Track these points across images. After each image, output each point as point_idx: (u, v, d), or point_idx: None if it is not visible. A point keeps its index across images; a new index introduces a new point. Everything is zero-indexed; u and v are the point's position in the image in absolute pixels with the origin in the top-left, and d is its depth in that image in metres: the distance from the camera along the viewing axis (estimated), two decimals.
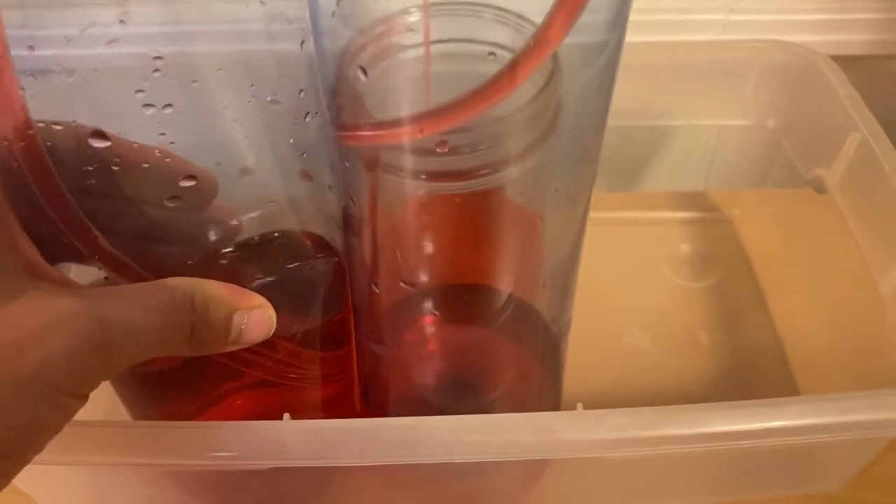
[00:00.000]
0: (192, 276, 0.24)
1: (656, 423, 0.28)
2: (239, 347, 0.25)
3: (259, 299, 0.25)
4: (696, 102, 0.49)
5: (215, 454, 0.28)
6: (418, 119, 0.23)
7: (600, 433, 0.28)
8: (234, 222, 0.28)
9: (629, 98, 0.48)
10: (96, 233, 0.24)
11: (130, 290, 0.23)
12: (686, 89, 0.48)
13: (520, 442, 0.28)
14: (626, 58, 0.46)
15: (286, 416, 0.29)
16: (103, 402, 0.41)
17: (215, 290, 0.24)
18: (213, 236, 0.28)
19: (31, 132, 0.22)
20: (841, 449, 0.36)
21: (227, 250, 0.28)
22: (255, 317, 0.25)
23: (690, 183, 0.56)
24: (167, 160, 0.25)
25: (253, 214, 0.28)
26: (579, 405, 0.29)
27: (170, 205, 0.26)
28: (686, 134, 0.52)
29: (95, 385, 0.22)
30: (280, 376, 0.32)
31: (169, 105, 0.24)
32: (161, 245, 0.27)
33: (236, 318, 0.24)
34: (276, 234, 0.29)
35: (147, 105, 0.24)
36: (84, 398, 0.22)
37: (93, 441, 0.28)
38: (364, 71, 0.24)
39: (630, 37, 0.49)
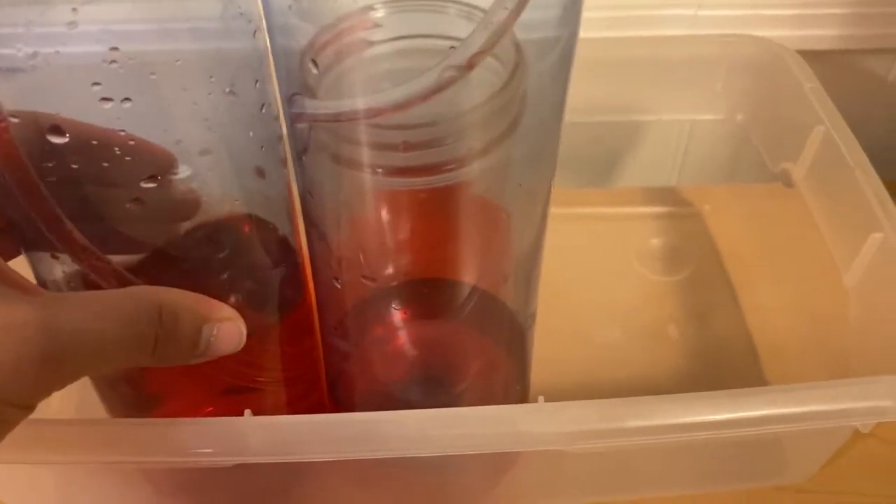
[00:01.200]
0: (149, 263, 0.23)
1: (617, 415, 0.28)
2: (205, 360, 0.24)
3: (229, 311, 0.25)
4: (666, 97, 0.49)
5: (177, 451, 0.28)
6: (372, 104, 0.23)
7: (560, 426, 0.28)
8: (193, 197, 0.27)
9: (600, 94, 0.48)
10: (71, 227, 0.24)
11: (92, 299, 0.22)
12: (656, 84, 0.48)
13: (480, 435, 0.28)
14: (596, 54, 0.47)
15: (247, 412, 0.29)
16: (73, 399, 0.41)
17: (185, 300, 0.23)
18: (173, 215, 0.27)
19: (2, 125, 0.21)
20: (806, 440, 0.36)
21: (181, 236, 0.28)
22: (225, 329, 0.24)
23: (664, 178, 0.57)
24: (131, 143, 0.24)
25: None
26: (540, 398, 0.29)
27: (147, 185, 0.25)
28: (657, 129, 0.52)
29: (44, 396, 0.21)
30: (243, 378, 0.32)
31: (128, 99, 0.24)
32: (120, 224, 0.27)
33: (205, 330, 0.24)
34: (228, 224, 0.29)
35: (105, 99, 0.24)
36: (30, 409, 0.21)
37: (51, 439, 0.28)
38: (315, 64, 0.23)
39: (600, 32, 0.50)
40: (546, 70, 0.25)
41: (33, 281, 0.27)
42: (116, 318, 0.22)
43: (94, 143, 0.24)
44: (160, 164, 0.26)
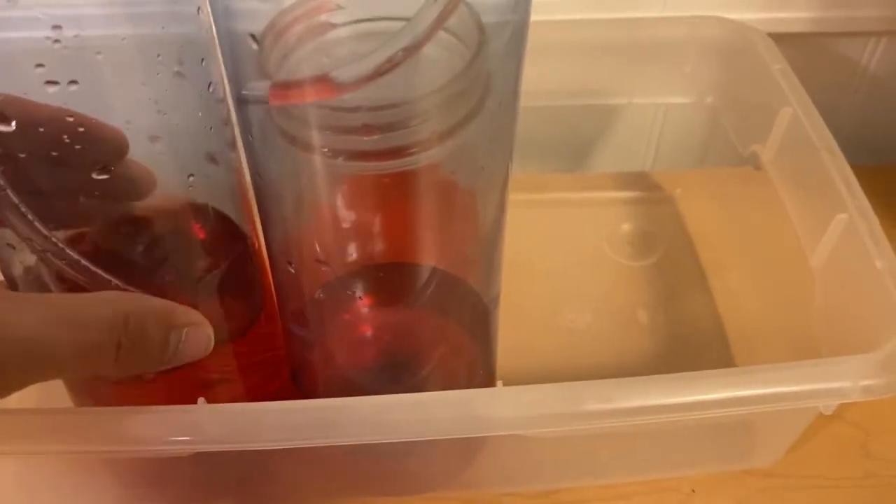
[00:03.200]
0: (97, 243, 0.23)
1: (577, 398, 0.28)
2: (171, 366, 0.24)
3: (196, 316, 0.24)
4: (635, 80, 0.49)
5: (131, 440, 0.27)
6: (322, 80, 0.22)
7: (519, 409, 0.28)
8: (149, 177, 0.26)
9: (570, 77, 0.48)
10: (32, 217, 0.23)
11: (47, 302, 0.21)
12: (625, 67, 0.48)
13: (437, 420, 0.27)
14: (565, 36, 0.46)
15: (201, 399, 0.28)
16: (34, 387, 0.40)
17: (154, 306, 0.23)
18: (128, 193, 0.26)
19: None
20: (772, 422, 0.36)
21: (130, 221, 0.27)
22: (192, 335, 0.24)
23: (636, 162, 0.56)
24: (70, 118, 0.23)
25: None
26: (499, 382, 0.28)
27: (99, 177, 0.24)
28: (629, 113, 0.52)
29: None
30: (203, 368, 0.32)
31: (74, 81, 0.23)
32: (74, 202, 0.26)
33: (172, 336, 0.23)
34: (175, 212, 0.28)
35: (50, 82, 0.23)
36: None
37: (5, 429, 0.28)
38: (255, 39, 0.23)
39: (569, 14, 0.49)
40: (501, 50, 0.24)
41: None
42: (73, 324, 0.21)
43: (41, 129, 0.23)
44: (113, 147, 0.25)
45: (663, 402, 0.28)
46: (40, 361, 0.20)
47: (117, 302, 0.22)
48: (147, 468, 0.35)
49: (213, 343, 0.24)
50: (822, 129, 0.37)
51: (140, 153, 0.26)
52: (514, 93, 0.26)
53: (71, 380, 0.32)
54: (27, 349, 0.20)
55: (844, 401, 0.29)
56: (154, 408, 0.28)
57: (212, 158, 0.28)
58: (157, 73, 0.25)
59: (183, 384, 0.31)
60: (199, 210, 0.28)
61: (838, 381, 0.28)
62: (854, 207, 0.34)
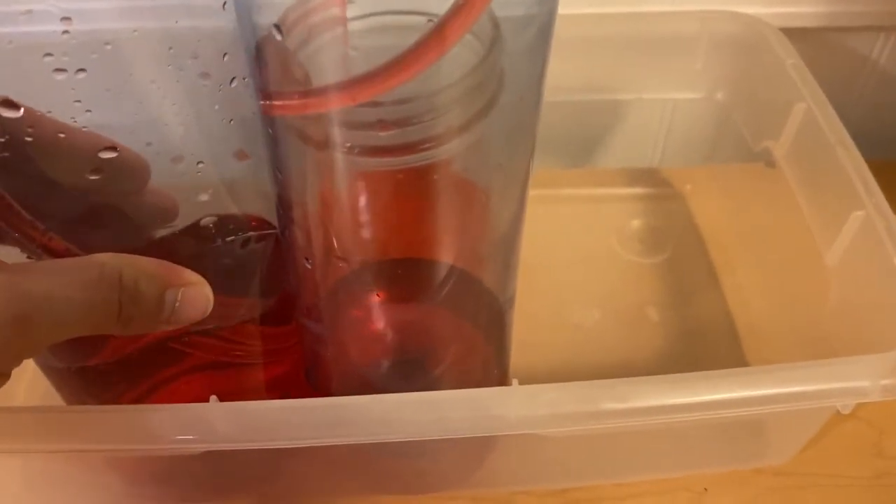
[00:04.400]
0: None
1: (593, 397, 0.28)
2: (173, 327, 0.24)
3: (193, 276, 0.24)
4: (645, 75, 0.48)
5: (142, 439, 0.27)
6: (348, 86, 0.22)
7: (536, 409, 0.27)
8: (172, 206, 0.27)
9: (579, 72, 0.47)
10: (18, 208, 0.23)
11: (55, 265, 0.22)
12: (635, 62, 0.47)
13: (452, 419, 0.27)
14: (575, 30, 0.46)
15: (213, 398, 0.28)
16: (40, 389, 0.40)
17: (146, 265, 0.23)
18: (151, 221, 0.27)
19: None
20: (786, 421, 0.36)
21: (164, 233, 0.27)
22: (190, 294, 0.24)
23: (645, 158, 0.56)
24: (84, 129, 0.24)
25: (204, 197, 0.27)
26: (515, 381, 0.28)
27: (92, 177, 0.24)
28: (638, 109, 0.52)
29: (16, 363, 0.21)
30: (224, 354, 0.31)
31: (82, 70, 0.23)
32: (99, 230, 0.26)
33: (168, 295, 0.23)
34: (213, 219, 0.28)
35: (58, 70, 0.23)
36: (5, 376, 0.21)
37: (14, 428, 0.27)
38: (279, 30, 0.22)
39: (579, 9, 0.49)
40: (524, 46, 0.24)
41: None
42: (81, 284, 0.21)
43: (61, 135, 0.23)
44: (138, 175, 0.25)
45: (682, 402, 0.28)
46: (60, 320, 0.21)
47: (111, 262, 0.22)
48: (157, 466, 0.35)
49: (211, 303, 0.24)
50: (837, 125, 0.37)
51: (167, 162, 0.26)
52: (537, 90, 0.26)
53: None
54: (49, 307, 0.21)
55: (864, 400, 0.28)
56: (164, 406, 0.28)
57: (243, 157, 0.27)
58: (168, 66, 0.25)
59: (213, 379, 0.31)
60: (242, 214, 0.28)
61: (857, 380, 0.28)
62: (871, 204, 0.33)
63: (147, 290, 0.23)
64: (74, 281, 0.21)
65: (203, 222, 0.28)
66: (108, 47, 0.23)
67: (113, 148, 0.24)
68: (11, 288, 0.20)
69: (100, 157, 0.24)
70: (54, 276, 0.21)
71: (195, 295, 0.24)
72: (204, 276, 0.24)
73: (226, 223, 0.29)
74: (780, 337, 0.43)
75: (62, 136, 0.23)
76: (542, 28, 0.24)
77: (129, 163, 0.25)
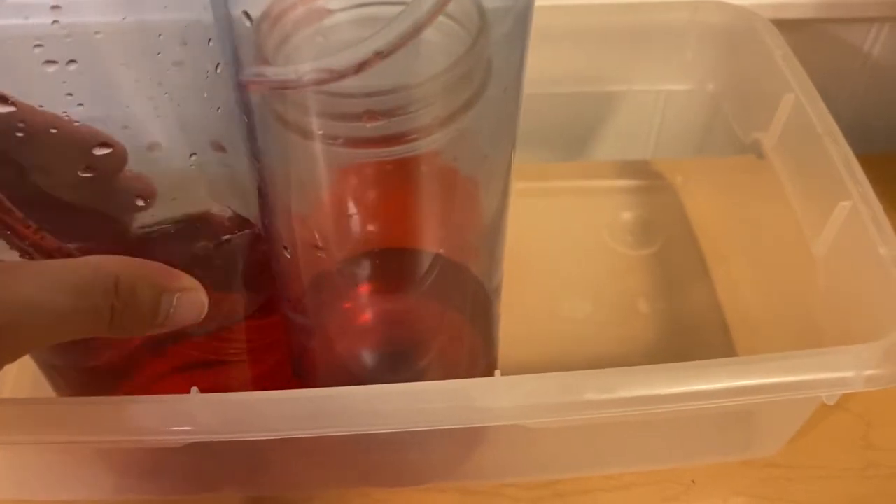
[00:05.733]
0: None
1: (576, 387, 0.27)
2: (165, 330, 0.23)
3: (189, 281, 0.24)
4: (636, 67, 0.48)
5: (124, 430, 0.27)
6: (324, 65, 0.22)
7: (518, 399, 0.27)
8: (149, 189, 0.27)
9: (569, 63, 0.47)
10: (10, 205, 0.23)
11: (45, 267, 0.21)
12: (625, 53, 0.47)
13: (434, 410, 0.27)
14: (564, 21, 0.46)
15: (194, 389, 0.28)
16: (28, 377, 0.40)
17: (144, 269, 0.23)
18: (126, 206, 0.27)
19: None
20: (774, 413, 0.36)
21: (144, 229, 0.27)
22: (185, 299, 0.23)
23: (637, 150, 0.56)
24: (76, 124, 0.24)
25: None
26: (497, 371, 0.28)
27: (84, 175, 0.24)
28: (629, 100, 0.51)
29: None
30: (215, 353, 0.31)
31: (73, 61, 0.23)
32: (76, 217, 0.26)
33: (164, 300, 0.23)
34: (189, 216, 0.28)
35: (49, 62, 0.22)
36: None
37: None
38: (248, 16, 0.22)
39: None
40: (504, 35, 0.24)
41: None
42: (70, 288, 0.21)
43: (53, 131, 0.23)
44: (114, 160, 0.25)
45: (666, 392, 0.27)
46: (43, 326, 0.21)
47: (107, 265, 0.22)
48: (141, 458, 0.35)
49: (206, 309, 0.24)
50: (825, 116, 0.37)
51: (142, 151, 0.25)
52: (518, 80, 0.26)
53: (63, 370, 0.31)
54: (32, 313, 0.20)
55: (848, 390, 0.28)
56: (148, 397, 0.28)
57: (219, 150, 0.27)
58: (158, 53, 0.24)
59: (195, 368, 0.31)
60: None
61: (842, 370, 0.28)
62: (857, 194, 0.33)
63: (143, 295, 0.22)
64: (65, 285, 0.21)
65: (189, 217, 0.28)
66: (99, 36, 0.23)
67: (107, 144, 0.24)
68: None
69: (92, 154, 0.24)
70: (43, 279, 0.21)
71: (191, 300, 0.24)
72: (189, 273, 0.24)
73: (210, 220, 0.29)
74: (770, 328, 0.43)
75: (54, 131, 0.23)
76: (520, 17, 0.23)
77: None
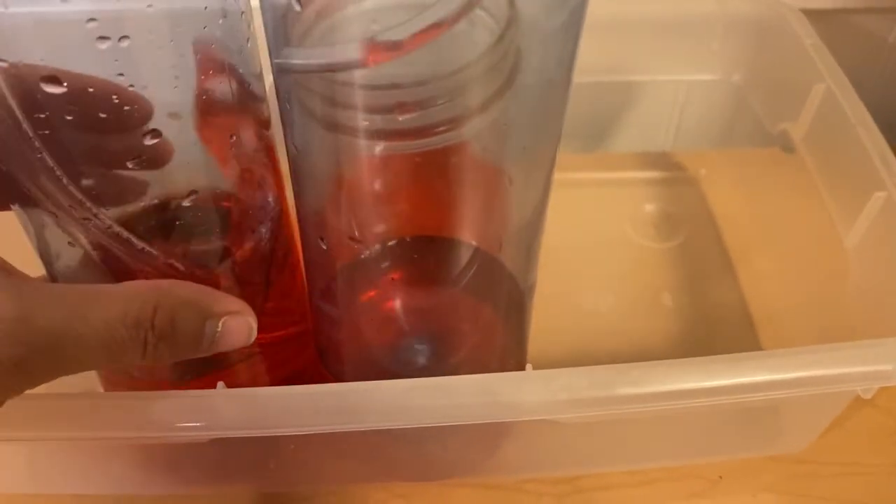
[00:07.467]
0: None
1: (608, 382, 0.27)
2: (211, 353, 0.23)
3: (236, 304, 0.23)
4: (660, 57, 0.47)
5: (148, 426, 0.27)
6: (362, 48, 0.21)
7: (550, 394, 0.27)
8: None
9: (592, 53, 0.46)
10: (73, 189, 0.22)
11: (76, 294, 0.20)
12: (650, 43, 0.47)
13: (464, 405, 0.27)
14: (590, 10, 0.45)
15: (220, 384, 0.27)
16: None
17: (186, 294, 0.22)
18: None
19: None
20: (804, 407, 0.35)
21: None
22: (231, 324, 0.22)
23: (659, 141, 0.55)
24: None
25: None
26: (528, 366, 0.28)
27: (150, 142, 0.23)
28: (652, 91, 0.51)
29: (12, 396, 0.20)
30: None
31: (125, 37, 0.22)
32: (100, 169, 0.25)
33: (209, 326, 0.22)
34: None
35: (102, 38, 0.22)
36: None
37: (19, 415, 0.27)
38: (299, 1, 0.22)
39: None
40: (556, 28, 0.23)
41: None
42: (102, 321, 0.20)
43: (91, 90, 0.21)
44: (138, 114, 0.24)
45: (700, 386, 0.27)
46: (66, 356, 0.20)
47: (144, 293, 0.21)
48: (164, 453, 0.35)
49: (255, 332, 0.23)
50: (858, 105, 0.36)
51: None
52: (567, 74, 0.25)
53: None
54: (54, 343, 0.19)
55: (886, 384, 0.28)
56: (171, 393, 0.27)
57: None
58: (204, 27, 0.24)
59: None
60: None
61: (880, 364, 0.27)
62: (892, 185, 0.32)
63: (184, 323, 0.21)
64: (94, 317, 0.20)
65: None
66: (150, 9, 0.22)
67: (157, 133, 0.23)
68: (17, 329, 0.19)
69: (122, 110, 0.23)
70: (70, 308, 0.20)
71: (238, 325, 0.23)
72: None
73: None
74: (796, 322, 0.42)
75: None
76: (576, 9, 0.23)
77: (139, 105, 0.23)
